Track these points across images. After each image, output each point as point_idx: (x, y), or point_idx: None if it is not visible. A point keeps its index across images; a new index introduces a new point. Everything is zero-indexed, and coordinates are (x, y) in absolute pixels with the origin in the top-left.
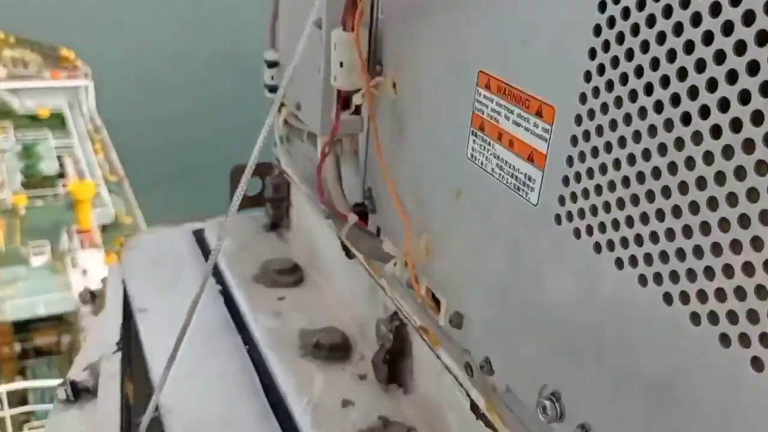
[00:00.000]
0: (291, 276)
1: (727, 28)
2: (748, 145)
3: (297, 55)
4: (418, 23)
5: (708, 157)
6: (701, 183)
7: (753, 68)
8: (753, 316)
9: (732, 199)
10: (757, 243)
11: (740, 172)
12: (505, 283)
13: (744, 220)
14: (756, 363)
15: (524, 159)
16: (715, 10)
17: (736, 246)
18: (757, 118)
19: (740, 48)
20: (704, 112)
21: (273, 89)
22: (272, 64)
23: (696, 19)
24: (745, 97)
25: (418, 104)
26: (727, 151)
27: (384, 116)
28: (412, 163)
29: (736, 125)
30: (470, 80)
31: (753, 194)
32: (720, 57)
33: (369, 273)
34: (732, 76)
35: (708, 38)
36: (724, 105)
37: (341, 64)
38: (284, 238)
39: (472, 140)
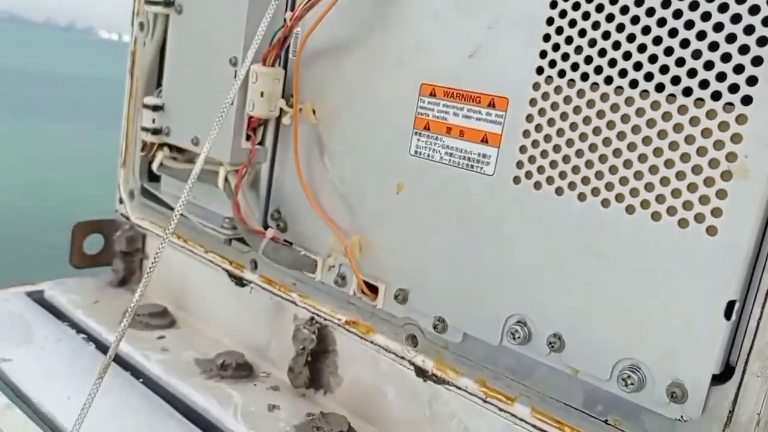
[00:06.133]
0: (163, 319)
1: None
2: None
3: (232, 96)
4: (345, 59)
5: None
6: (635, 129)
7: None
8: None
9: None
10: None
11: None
12: (461, 245)
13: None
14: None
15: (477, 142)
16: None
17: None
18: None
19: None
20: (632, 84)
21: (156, 132)
22: (157, 108)
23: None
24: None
25: (346, 124)
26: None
27: (300, 140)
28: (339, 177)
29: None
30: (411, 93)
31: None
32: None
33: (273, 293)
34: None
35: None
36: (648, 77)
37: (262, 94)
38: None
39: (416, 139)
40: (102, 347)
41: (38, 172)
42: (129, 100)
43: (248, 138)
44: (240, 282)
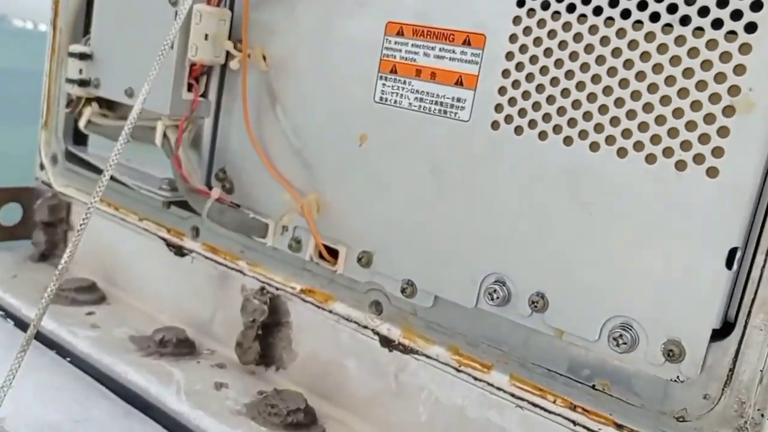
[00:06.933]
0: (92, 294)
1: None
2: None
3: (171, 38)
4: None
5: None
6: (611, 71)
7: None
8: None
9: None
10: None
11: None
12: (433, 200)
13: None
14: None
15: (451, 85)
16: None
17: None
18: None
19: None
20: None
21: (84, 83)
22: (84, 56)
23: None
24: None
25: (301, 71)
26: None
27: (249, 90)
28: (293, 129)
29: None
30: (375, 33)
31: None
32: None
33: (218, 262)
34: None
35: None
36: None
37: (206, 37)
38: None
39: (381, 84)
40: (21, 324)
41: None
42: (51, 54)
43: (190, 88)
44: (179, 251)
